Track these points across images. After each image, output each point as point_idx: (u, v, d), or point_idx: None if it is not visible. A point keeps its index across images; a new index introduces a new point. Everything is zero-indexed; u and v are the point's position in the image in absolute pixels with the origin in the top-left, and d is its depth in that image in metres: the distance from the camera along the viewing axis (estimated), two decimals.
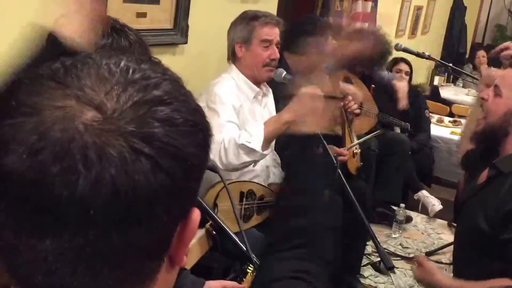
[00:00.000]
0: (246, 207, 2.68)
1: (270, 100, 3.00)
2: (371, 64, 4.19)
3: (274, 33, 2.81)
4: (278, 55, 2.83)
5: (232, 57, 2.84)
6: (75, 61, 0.59)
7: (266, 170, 2.93)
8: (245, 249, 1.55)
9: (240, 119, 2.69)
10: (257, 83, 2.89)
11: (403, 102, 4.42)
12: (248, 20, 2.79)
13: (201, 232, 2.26)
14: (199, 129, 0.61)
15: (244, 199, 2.66)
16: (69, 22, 1.01)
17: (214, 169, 1.48)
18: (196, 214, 0.63)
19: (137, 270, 0.59)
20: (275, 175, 2.99)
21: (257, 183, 2.75)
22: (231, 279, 3.05)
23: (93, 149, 0.52)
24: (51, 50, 1.27)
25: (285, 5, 4.26)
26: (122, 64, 0.59)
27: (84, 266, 0.55)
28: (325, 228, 1.05)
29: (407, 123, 4.69)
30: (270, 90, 3.00)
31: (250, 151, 2.41)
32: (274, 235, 1.06)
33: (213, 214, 1.61)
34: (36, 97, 0.55)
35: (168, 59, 3.02)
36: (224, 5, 3.24)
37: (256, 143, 2.40)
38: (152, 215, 0.56)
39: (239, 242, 1.59)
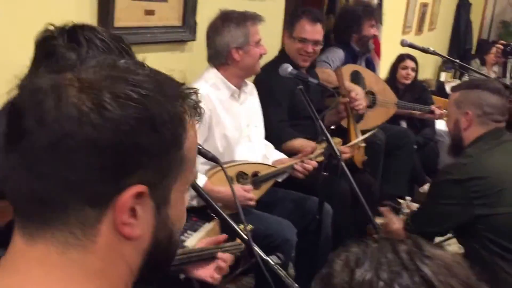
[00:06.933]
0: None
1: (250, 97, 3.04)
2: None
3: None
4: (267, 51, 2.92)
5: (225, 60, 2.82)
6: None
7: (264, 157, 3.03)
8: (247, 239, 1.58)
9: (214, 119, 2.73)
10: (244, 79, 2.95)
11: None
12: (239, 22, 2.79)
13: (210, 226, 2.31)
14: (144, 110, 0.73)
15: (235, 183, 2.71)
16: None
17: (215, 159, 1.51)
18: (133, 191, 0.73)
19: (64, 202, 0.72)
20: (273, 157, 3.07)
21: (246, 163, 2.81)
22: (240, 273, 3.12)
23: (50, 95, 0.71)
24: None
25: (293, 1, 4.30)
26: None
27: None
28: None
29: (430, 106, 4.68)
30: (250, 87, 3.04)
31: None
32: None
33: (214, 205, 1.64)
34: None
35: (177, 56, 3.07)
36: (232, 2, 3.28)
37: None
38: (72, 158, 0.70)
39: (242, 233, 1.63)
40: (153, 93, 0.74)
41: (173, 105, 0.77)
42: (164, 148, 0.75)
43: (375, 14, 4.42)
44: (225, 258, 1.88)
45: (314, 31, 3.42)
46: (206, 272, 1.88)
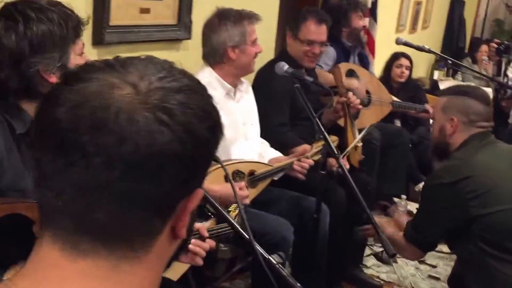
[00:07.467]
0: None
1: (245, 95, 3.03)
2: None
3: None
4: (262, 49, 2.91)
5: (220, 58, 2.82)
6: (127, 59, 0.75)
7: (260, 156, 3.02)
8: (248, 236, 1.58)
9: None
10: (239, 78, 2.94)
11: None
12: (236, 21, 2.78)
13: (207, 224, 2.31)
14: (209, 117, 0.74)
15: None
16: None
17: (214, 157, 1.51)
18: (199, 194, 0.75)
19: (139, 219, 0.70)
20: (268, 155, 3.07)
21: (243, 162, 2.79)
22: (236, 272, 3.11)
23: (125, 113, 0.67)
24: None
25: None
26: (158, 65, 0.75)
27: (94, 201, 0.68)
28: None
29: (424, 105, 4.69)
30: (245, 85, 3.03)
31: None
32: None
33: (213, 201, 1.66)
34: (92, 74, 0.71)
35: (172, 55, 3.06)
36: (226, 0, 3.27)
37: None
38: (161, 174, 0.68)
39: (241, 230, 1.62)
40: (207, 98, 0.76)
41: (214, 104, 0.78)
42: (215, 149, 0.77)
43: (360, 6, 4.47)
44: (196, 243, 1.94)
45: (320, 32, 3.42)
46: (188, 258, 1.94)
